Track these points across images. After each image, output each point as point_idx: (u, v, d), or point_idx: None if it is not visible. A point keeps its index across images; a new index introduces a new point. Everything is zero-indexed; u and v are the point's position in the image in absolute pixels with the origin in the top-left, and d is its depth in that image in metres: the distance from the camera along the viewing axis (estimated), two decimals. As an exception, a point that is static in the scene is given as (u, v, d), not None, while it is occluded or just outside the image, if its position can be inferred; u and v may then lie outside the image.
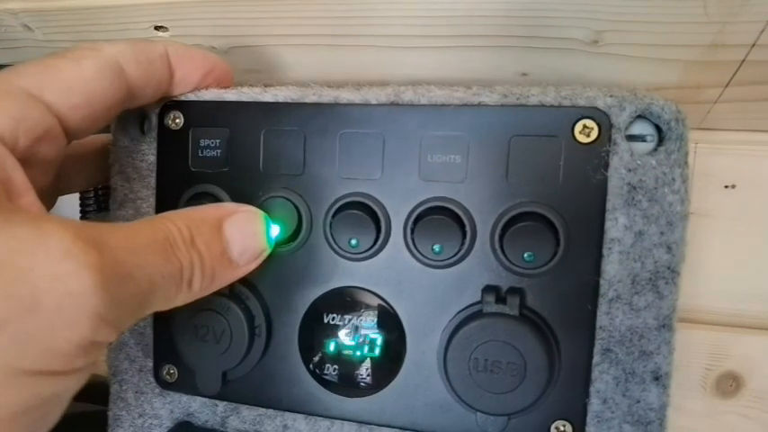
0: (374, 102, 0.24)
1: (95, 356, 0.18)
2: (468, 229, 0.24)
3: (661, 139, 0.23)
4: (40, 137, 0.21)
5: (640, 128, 0.24)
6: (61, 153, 0.23)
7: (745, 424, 0.36)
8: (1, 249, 0.15)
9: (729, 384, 0.36)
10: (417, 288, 0.24)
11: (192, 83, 0.27)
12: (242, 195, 0.26)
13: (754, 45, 0.25)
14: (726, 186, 0.35)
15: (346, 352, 0.25)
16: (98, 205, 0.31)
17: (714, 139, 0.35)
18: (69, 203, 0.30)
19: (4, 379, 0.15)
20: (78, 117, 0.22)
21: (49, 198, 0.26)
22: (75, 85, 0.22)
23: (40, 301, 0.15)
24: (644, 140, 0.23)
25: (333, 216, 0.25)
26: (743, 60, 0.27)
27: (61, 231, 0.16)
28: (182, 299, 0.21)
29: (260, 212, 0.24)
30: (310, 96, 0.25)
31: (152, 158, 0.28)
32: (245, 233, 0.23)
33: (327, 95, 0.25)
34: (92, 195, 0.31)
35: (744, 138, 0.35)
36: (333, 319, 0.25)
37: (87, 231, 0.17)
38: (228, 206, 0.23)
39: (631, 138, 0.23)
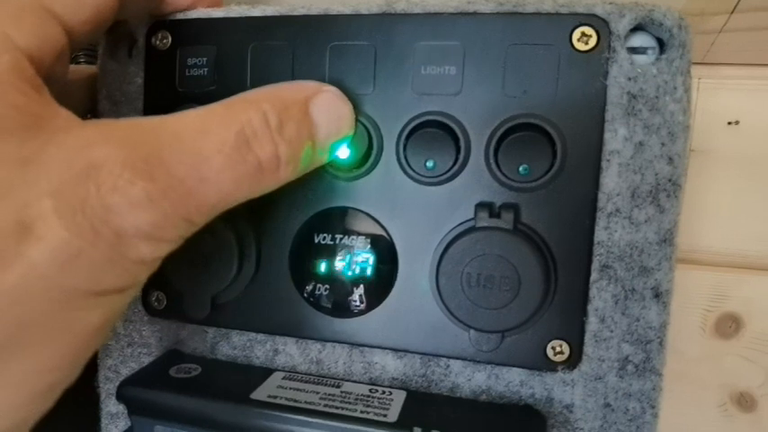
0: (365, 12, 0.23)
1: (157, 264, 0.18)
2: (462, 143, 0.23)
3: (663, 50, 0.22)
4: (58, 56, 0.20)
5: (641, 40, 0.23)
6: (66, 73, 0.22)
7: (744, 366, 0.36)
8: (57, 178, 0.15)
9: (729, 326, 0.36)
10: (409, 206, 0.24)
11: (183, 4, 0.26)
12: (230, 114, 0.25)
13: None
14: (729, 123, 0.35)
15: (337, 272, 0.25)
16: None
17: (717, 74, 0.34)
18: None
19: (84, 302, 0.16)
20: (85, 32, 0.21)
21: None
22: None
23: (99, 233, 0.15)
24: (644, 53, 0.23)
25: None
26: (750, -19, 0.26)
27: (111, 161, 0.16)
28: (265, 189, 0.20)
29: (342, 93, 0.22)
30: (299, 9, 0.24)
31: (140, 81, 0.27)
32: (332, 116, 0.21)
33: (317, 8, 0.24)
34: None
35: (748, 72, 0.34)
36: (324, 239, 0.25)
37: (139, 151, 0.16)
38: (311, 84, 0.22)
39: (632, 50, 0.22)
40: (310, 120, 0.20)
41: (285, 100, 0.20)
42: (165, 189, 0.16)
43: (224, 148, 0.18)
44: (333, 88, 0.22)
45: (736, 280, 0.35)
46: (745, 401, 0.36)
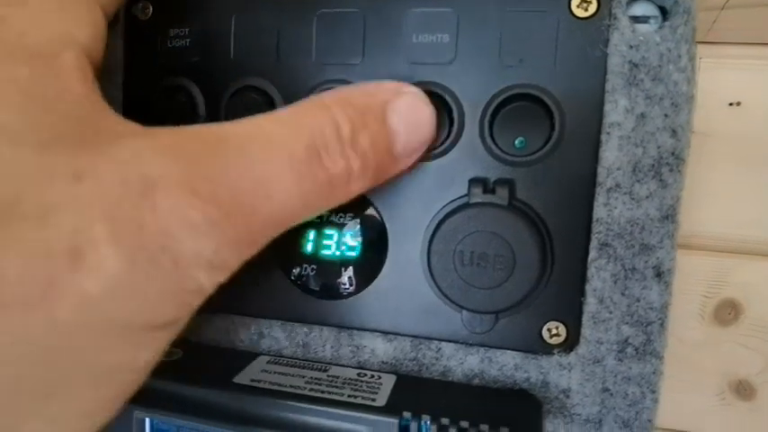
0: None
1: (212, 291, 0.16)
2: (455, 115, 0.22)
3: (665, 17, 0.21)
4: (103, 47, 0.18)
5: (643, 8, 0.22)
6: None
7: (743, 352, 0.35)
8: (111, 198, 0.13)
9: (728, 312, 0.35)
10: (400, 182, 0.23)
11: None
12: (212, 86, 0.24)
13: None
14: (730, 104, 0.34)
15: (325, 252, 0.24)
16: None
17: (719, 53, 0.33)
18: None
19: (138, 338, 0.14)
20: (111, 13, 0.19)
21: None
22: None
23: (157, 262, 0.13)
24: (646, 22, 0.22)
25: None
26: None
27: (166, 178, 0.13)
28: (333, 205, 0.18)
29: (424, 94, 0.20)
30: None
31: (119, 54, 0.26)
32: (412, 122, 0.19)
33: None
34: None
35: (750, 52, 0.33)
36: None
37: (199, 167, 0.14)
38: (389, 86, 0.19)
39: (634, 19, 0.21)
40: (387, 128, 0.18)
41: (359, 106, 0.18)
42: (229, 212, 0.14)
43: (293, 162, 0.16)
44: (413, 89, 0.19)
45: (735, 265, 0.35)
46: (743, 389, 0.35)
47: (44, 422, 0.14)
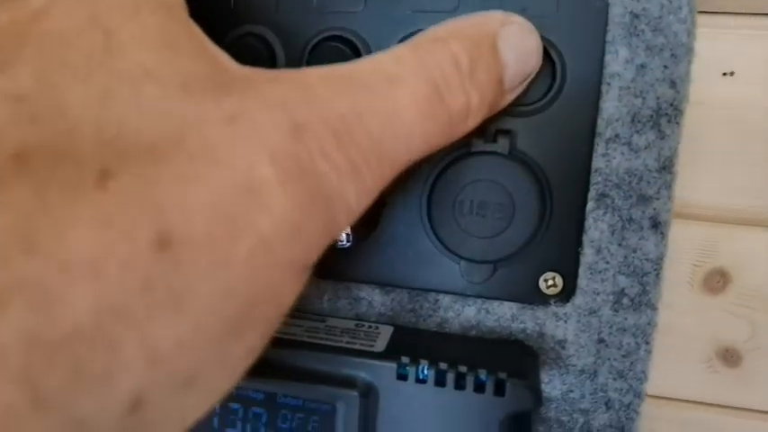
0: None
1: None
2: (457, 64, 0.22)
3: None
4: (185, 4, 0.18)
5: (644, -38, 0.22)
6: None
7: (730, 320, 0.35)
8: (268, 138, 0.13)
9: (717, 281, 0.35)
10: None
11: None
12: (211, 36, 0.23)
13: None
14: (724, 74, 0.34)
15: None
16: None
17: (713, 22, 0.34)
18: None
19: (295, 277, 0.14)
20: None
21: None
22: None
23: (315, 203, 0.13)
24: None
25: (309, 53, 0.23)
26: None
27: (313, 120, 0.13)
28: (446, 143, 0.17)
29: (530, 23, 0.19)
30: None
31: None
32: (521, 52, 0.18)
33: None
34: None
35: (745, 22, 0.33)
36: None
37: (336, 107, 0.14)
38: (496, 15, 0.18)
39: (635, -27, 0.21)
40: (499, 59, 0.17)
41: (473, 37, 0.17)
42: (366, 154, 0.14)
43: (417, 101, 0.15)
44: (519, 18, 0.19)
45: (725, 234, 0.35)
46: (730, 357, 0.36)
47: (224, 368, 0.13)
